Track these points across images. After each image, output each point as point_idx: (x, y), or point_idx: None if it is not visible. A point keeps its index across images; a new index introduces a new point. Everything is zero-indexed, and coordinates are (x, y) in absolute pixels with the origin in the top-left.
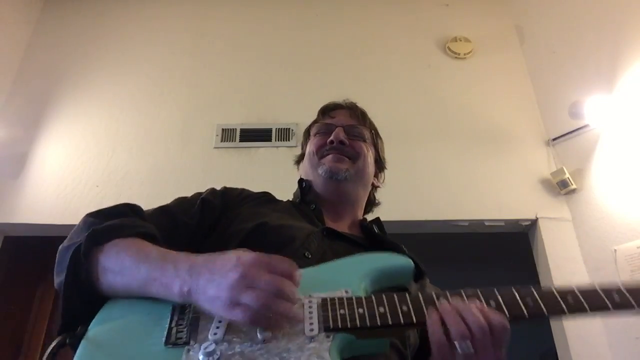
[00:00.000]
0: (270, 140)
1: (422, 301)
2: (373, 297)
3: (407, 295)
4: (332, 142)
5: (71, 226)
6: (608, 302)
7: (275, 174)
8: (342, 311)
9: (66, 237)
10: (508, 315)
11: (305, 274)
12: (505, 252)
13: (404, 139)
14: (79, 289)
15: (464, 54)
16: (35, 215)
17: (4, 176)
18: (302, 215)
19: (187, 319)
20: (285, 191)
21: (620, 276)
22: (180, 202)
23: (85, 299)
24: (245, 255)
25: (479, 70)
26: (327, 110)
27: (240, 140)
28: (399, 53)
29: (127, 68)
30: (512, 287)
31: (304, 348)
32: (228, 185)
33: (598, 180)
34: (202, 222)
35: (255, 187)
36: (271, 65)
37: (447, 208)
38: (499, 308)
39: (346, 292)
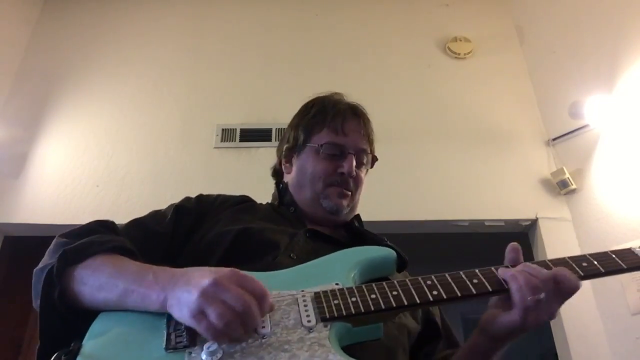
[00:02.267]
0: (270, 140)
1: (409, 285)
2: (363, 287)
3: (395, 281)
4: (342, 173)
5: (71, 226)
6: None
7: None
8: (335, 301)
9: None
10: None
11: (294, 272)
12: (505, 252)
13: (404, 139)
14: (54, 311)
15: (464, 54)
16: (35, 215)
17: (4, 176)
18: (282, 219)
19: (184, 325)
20: None
21: (621, 276)
22: (154, 214)
23: (64, 318)
24: (223, 268)
25: (479, 70)
26: (340, 120)
27: (240, 140)
28: (399, 53)
29: (127, 68)
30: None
31: (304, 339)
32: (229, 186)
33: (598, 180)
34: (178, 230)
35: (255, 187)
36: (271, 65)
37: (447, 208)
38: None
39: (337, 284)
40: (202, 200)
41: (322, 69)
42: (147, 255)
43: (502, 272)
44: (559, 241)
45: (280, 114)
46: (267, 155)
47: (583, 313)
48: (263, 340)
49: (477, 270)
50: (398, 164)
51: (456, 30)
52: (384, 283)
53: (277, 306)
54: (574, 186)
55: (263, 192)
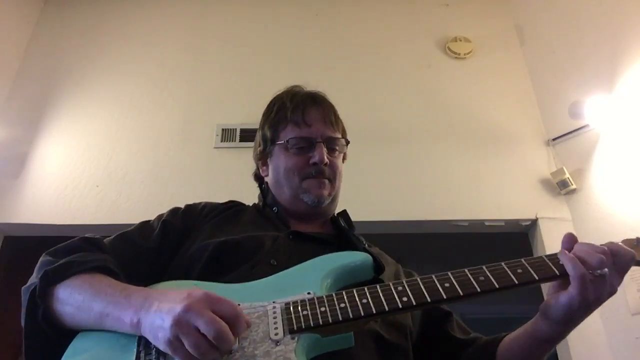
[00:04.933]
0: None
1: (379, 292)
2: (334, 295)
3: (365, 288)
4: (315, 163)
5: (71, 226)
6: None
7: None
8: (304, 312)
9: (66, 237)
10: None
11: (268, 282)
12: (505, 252)
13: (404, 139)
14: (38, 330)
15: (464, 54)
16: (35, 215)
17: (4, 176)
18: (266, 222)
19: (154, 345)
20: None
21: None
22: (141, 226)
23: (49, 337)
24: (196, 292)
25: (479, 70)
26: (300, 112)
27: (240, 140)
28: (399, 53)
29: (127, 68)
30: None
31: (270, 352)
32: (229, 186)
33: (598, 180)
34: (164, 246)
35: (255, 187)
36: (271, 65)
37: (447, 208)
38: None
39: (309, 294)
40: (188, 214)
41: (322, 69)
42: (132, 271)
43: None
44: (559, 241)
45: None
46: None
47: None
48: (230, 356)
49: (449, 273)
50: (398, 163)
51: (456, 30)
52: (354, 290)
53: (249, 318)
54: (574, 186)
55: None
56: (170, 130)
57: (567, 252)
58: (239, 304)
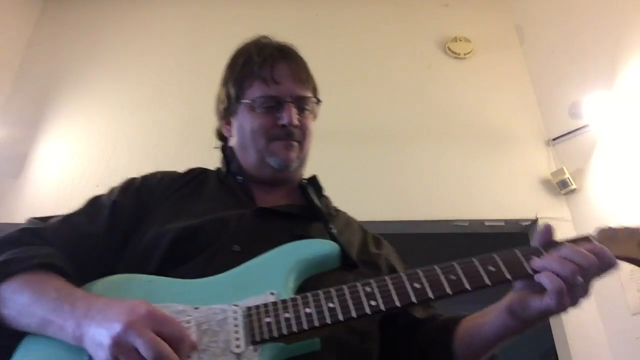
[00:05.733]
0: None
1: (347, 295)
2: (299, 298)
3: (331, 289)
4: (284, 125)
5: None
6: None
7: None
8: (267, 319)
9: None
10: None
11: (228, 279)
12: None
13: (404, 139)
14: None
15: (464, 54)
16: (35, 216)
17: (4, 176)
18: (230, 195)
19: None
20: None
21: (621, 276)
22: (90, 206)
23: None
24: (139, 307)
25: (479, 70)
26: (268, 68)
27: None
28: (399, 53)
29: (127, 68)
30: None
31: None
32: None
33: (598, 180)
34: (114, 231)
35: None
36: None
37: (447, 208)
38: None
39: (272, 294)
40: (143, 191)
41: (321, 69)
42: (80, 262)
43: (533, 263)
44: None
45: None
46: None
47: (583, 313)
48: None
49: (419, 271)
50: (397, 163)
51: (456, 30)
52: (320, 293)
53: (208, 326)
54: (574, 186)
55: None
56: (170, 130)
57: (544, 264)
58: (196, 307)
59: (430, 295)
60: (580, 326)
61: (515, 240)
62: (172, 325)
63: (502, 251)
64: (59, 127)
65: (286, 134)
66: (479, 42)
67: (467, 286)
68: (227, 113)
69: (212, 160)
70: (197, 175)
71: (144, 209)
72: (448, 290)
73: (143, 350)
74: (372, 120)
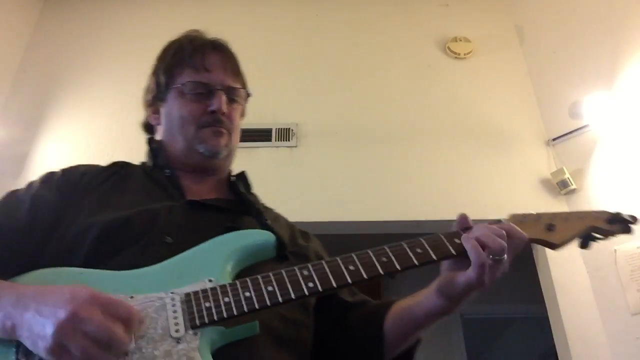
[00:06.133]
0: (270, 140)
1: (285, 278)
2: (238, 283)
3: (270, 274)
4: (213, 112)
5: None
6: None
7: (275, 174)
8: (207, 304)
9: None
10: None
11: (163, 268)
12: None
13: (404, 139)
14: None
15: (464, 54)
16: None
17: (4, 176)
18: (158, 188)
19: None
20: (284, 191)
21: (621, 276)
22: (5, 201)
23: None
24: (81, 292)
25: (479, 70)
26: (200, 56)
27: (241, 140)
28: (399, 53)
29: (127, 68)
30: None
31: (171, 352)
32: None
33: (598, 180)
34: (35, 226)
35: (255, 187)
36: (271, 65)
37: (447, 208)
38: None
39: (210, 281)
40: (64, 184)
41: (321, 69)
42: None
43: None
44: None
45: (280, 114)
46: (267, 155)
47: (583, 313)
48: (126, 358)
49: (353, 255)
50: (397, 163)
51: (456, 30)
52: (259, 277)
53: (145, 313)
54: (574, 186)
55: (263, 192)
56: None
57: (469, 237)
58: (132, 296)
59: (365, 275)
60: (580, 326)
61: None
62: (118, 305)
63: (427, 235)
64: (59, 126)
65: (215, 121)
66: (479, 42)
67: (397, 266)
68: (155, 100)
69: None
70: (120, 168)
71: (66, 202)
72: (380, 271)
73: (95, 332)
74: (371, 120)
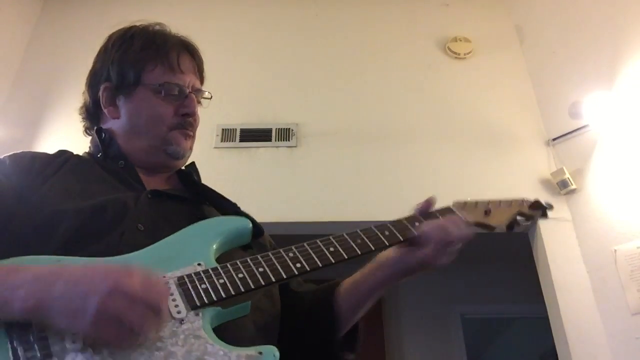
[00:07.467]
0: (270, 140)
1: (274, 260)
2: (229, 266)
3: (258, 256)
4: (185, 114)
5: None
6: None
7: (276, 174)
8: (203, 286)
9: None
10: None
11: (149, 253)
12: (505, 252)
13: (404, 139)
14: None
15: (464, 54)
16: None
17: None
18: (116, 179)
19: (33, 336)
20: (285, 191)
21: (620, 276)
22: None
23: None
24: (114, 266)
25: (479, 70)
26: (175, 56)
27: (240, 140)
28: (399, 53)
29: None
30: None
31: (177, 332)
32: (229, 186)
33: (598, 180)
34: None
35: (256, 187)
36: (271, 65)
37: None
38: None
39: (199, 264)
40: (16, 171)
41: (322, 69)
42: None
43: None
44: (559, 241)
45: (280, 114)
46: (267, 155)
47: (583, 313)
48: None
49: (331, 238)
50: (397, 163)
51: (456, 30)
52: (249, 259)
53: None
54: (574, 186)
55: (264, 192)
56: None
57: (434, 221)
58: None
59: (345, 256)
60: (580, 326)
61: (515, 240)
62: (157, 293)
63: (392, 221)
64: (59, 127)
65: (187, 124)
66: (479, 42)
67: (372, 247)
68: (114, 93)
69: (212, 160)
70: (70, 157)
71: (23, 190)
72: (358, 252)
73: (146, 300)
74: (371, 120)
